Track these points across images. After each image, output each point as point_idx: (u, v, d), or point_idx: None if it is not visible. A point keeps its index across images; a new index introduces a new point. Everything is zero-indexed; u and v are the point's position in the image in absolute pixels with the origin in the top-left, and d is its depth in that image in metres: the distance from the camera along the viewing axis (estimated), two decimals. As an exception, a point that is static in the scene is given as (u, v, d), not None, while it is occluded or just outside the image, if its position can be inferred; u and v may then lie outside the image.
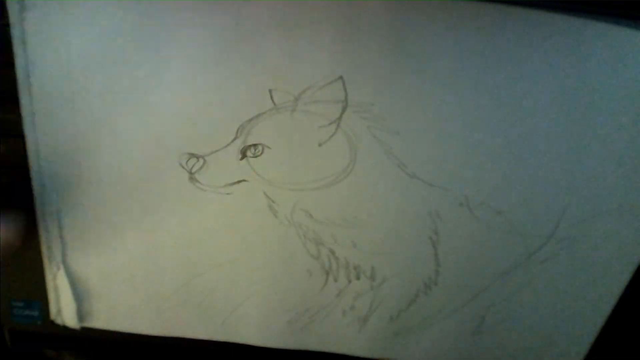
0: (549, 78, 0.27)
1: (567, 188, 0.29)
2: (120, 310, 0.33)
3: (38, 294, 0.33)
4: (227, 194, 0.30)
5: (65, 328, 0.33)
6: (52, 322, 0.33)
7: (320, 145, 0.29)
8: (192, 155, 0.29)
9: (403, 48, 0.27)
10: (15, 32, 0.26)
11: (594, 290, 0.31)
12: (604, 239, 0.30)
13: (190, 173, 0.29)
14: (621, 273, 0.31)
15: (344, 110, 0.28)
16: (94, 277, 0.32)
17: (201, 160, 0.29)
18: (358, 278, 0.32)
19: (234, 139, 0.28)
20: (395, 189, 0.30)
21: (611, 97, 0.27)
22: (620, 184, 0.29)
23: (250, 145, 0.29)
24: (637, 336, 0.27)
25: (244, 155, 0.29)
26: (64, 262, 0.31)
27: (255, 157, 0.29)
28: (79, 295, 0.33)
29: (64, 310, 0.33)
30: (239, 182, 0.29)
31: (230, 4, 0.26)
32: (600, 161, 0.28)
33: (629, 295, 0.31)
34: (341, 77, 0.27)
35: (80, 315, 0.33)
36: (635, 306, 0.31)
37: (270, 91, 0.28)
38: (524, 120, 0.28)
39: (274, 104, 0.28)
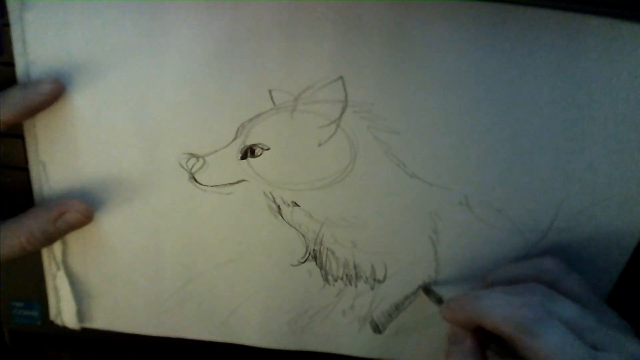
0: (546, 74, 0.27)
1: (565, 181, 0.29)
2: (120, 311, 0.33)
3: (38, 294, 0.32)
4: (227, 194, 0.30)
5: (65, 328, 0.33)
6: (52, 323, 0.33)
7: (320, 145, 0.29)
8: (192, 155, 0.29)
9: (403, 48, 0.27)
10: (15, 32, 0.26)
11: (589, 279, 0.31)
12: (600, 229, 0.30)
13: (190, 173, 0.29)
14: (616, 260, 0.31)
15: (344, 110, 0.28)
16: (94, 278, 0.32)
17: (201, 161, 0.29)
18: (358, 278, 0.32)
19: (234, 139, 0.28)
20: (395, 189, 0.30)
21: (607, 89, 0.27)
22: (615, 174, 0.29)
23: (250, 145, 0.29)
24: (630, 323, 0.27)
25: (244, 155, 0.29)
26: (64, 262, 0.31)
27: (255, 157, 0.29)
28: (79, 296, 0.32)
29: (64, 311, 0.33)
30: (239, 182, 0.29)
31: (230, 4, 0.26)
32: (596, 152, 0.28)
33: (622, 284, 0.31)
34: (341, 77, 0.27)
35: (80, 316, 0.33)
36: (628, 293, 0.32)
37: (270, 91, 0.28)
38: (523, 117, 0.28)
39: (274, 104, 0.28)
